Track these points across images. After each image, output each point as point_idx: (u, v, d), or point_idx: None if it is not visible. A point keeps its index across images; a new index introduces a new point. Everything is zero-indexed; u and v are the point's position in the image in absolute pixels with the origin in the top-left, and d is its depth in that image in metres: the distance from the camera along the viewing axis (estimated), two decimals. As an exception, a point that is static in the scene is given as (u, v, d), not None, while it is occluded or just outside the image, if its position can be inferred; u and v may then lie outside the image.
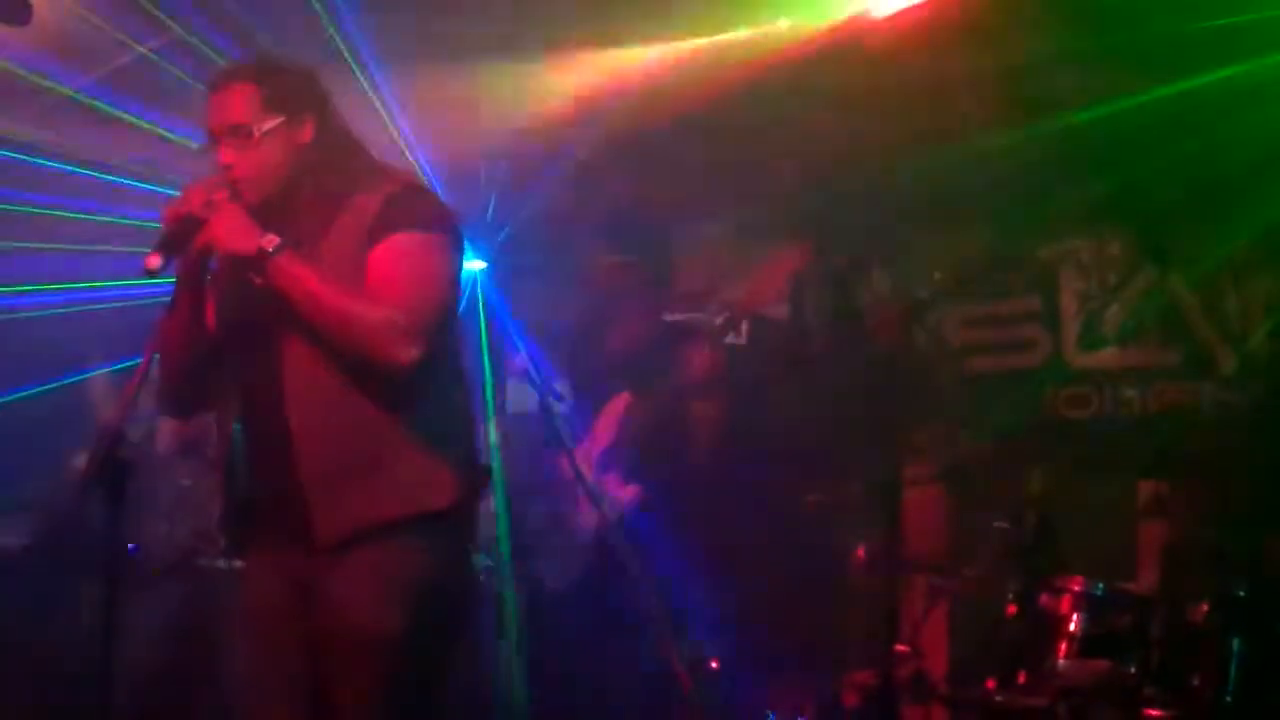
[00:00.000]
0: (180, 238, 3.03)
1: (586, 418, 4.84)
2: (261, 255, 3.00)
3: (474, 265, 7.20)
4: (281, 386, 3.09)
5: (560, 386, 4.82)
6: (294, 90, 3.17)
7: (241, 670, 3.28)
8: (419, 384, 3.07)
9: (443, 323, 3.08)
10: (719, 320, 4.86)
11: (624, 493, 4.66)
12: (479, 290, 6.88)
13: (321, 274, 3.02)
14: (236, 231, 3.02)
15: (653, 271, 4.97)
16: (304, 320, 3.02)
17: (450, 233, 3.13)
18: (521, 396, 6.41)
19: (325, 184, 3.15)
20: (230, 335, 3.21)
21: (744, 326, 5.85)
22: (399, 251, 3.05)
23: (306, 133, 3.16)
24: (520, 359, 4.75)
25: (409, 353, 2.98)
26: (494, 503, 5.58)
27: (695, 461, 4.79)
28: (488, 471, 3.31)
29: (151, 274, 2.98)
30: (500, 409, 6.69)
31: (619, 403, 4.77)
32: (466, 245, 3.31)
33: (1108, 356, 5.51)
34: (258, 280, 3.04)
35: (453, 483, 3.11)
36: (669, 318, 5.18)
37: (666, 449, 4.69)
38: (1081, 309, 5.57)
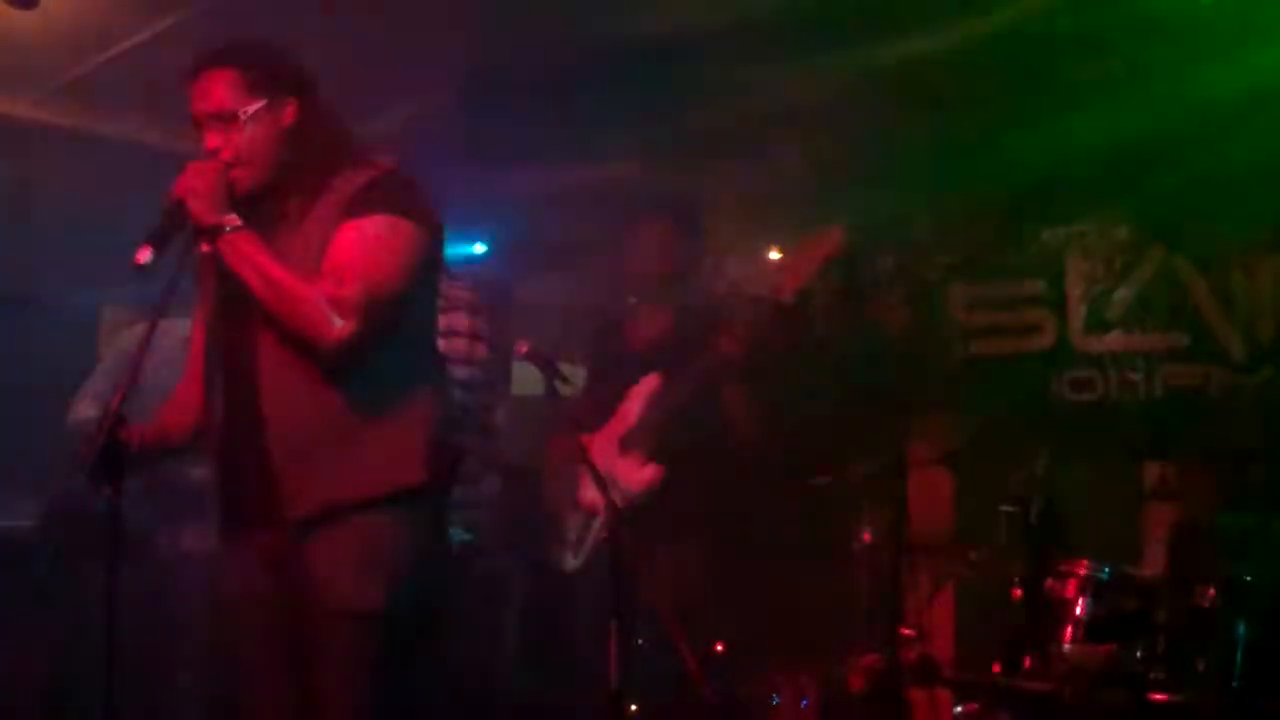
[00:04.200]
0: (172, 228, 3.04)
1: (604, 406, 4.78)
2: (217, 229, 3.05)
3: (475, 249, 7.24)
4: (256, 369, 3.15)
5: (569, 370, 4.78)
6: (274, 72, 3.20)
7: (235, 649, 3.31)
8: (385, 366, 3.12)
9: (392, 303, 3.09)
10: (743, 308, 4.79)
11: (642, 473, 4.64)
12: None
13: (270, 253, 3.06)
14: (206, 197, 3.06)
15: (693, 242, 4.90)
16: (256, 298, 3.07)
17: (420, 220, 3.16)
18: (526, 378, 6.40)
19: (311, 164, 3.20)
20: (215, 319, 3.26)
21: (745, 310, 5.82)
22: (360, 232, 3.09)
23: (289, 114, 3.19)
24: (526, 340, 4.72)
25: (340, 328, 3.01)
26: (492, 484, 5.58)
27: (728, 446, 4.76)
28: (460, 451, 3.31)
29: (141, 269, 2.98)
30: (505, 391, 6.69)
31: (647, 384, 4.75)
32: (447, 234, 3.32)
33: (1114, 340, 5.50)
34: (206, 248, 3.10)
35: (421, 462, 3.15)
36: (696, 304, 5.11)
37: (698, 433, 4.66)
38: (1088, 292, 5.56)
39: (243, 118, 3.13)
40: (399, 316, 3.12)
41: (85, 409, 5.35)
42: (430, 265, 3.22)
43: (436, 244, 3.23)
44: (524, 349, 4.55)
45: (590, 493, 4.73)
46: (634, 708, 4.43)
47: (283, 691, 3.18)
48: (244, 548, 3.23)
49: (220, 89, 3.15)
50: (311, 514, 3.09)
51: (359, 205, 3.11)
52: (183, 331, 3.48)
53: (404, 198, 3.16)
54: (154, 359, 3.09)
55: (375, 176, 3.18)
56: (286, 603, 3.14)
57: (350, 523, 3.08)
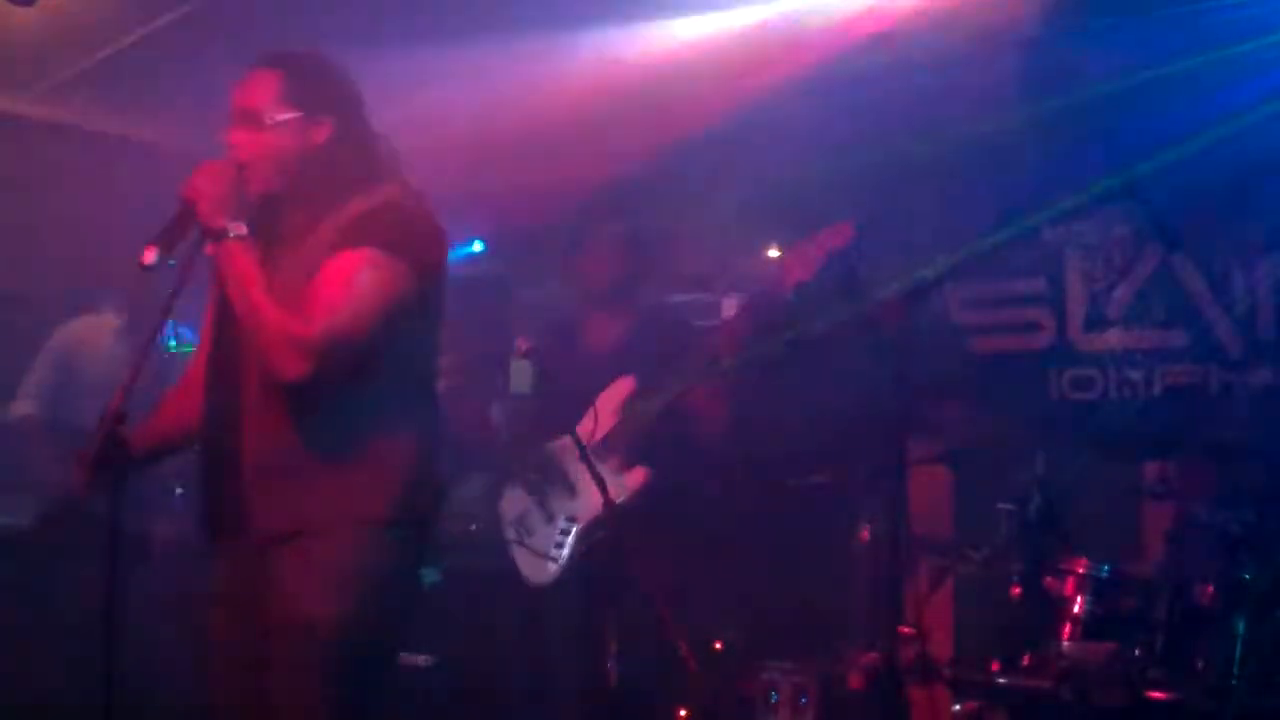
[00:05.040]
0: (179, 229, 3.03)
1: (560, 409, 4.74)
2: (221, 233, 3.03)
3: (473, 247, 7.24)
4: (246, 380, 3.13)
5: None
6: (318, 89, 3.17)
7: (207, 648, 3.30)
8: (370, 397, 3.09)
9: (359, 344, 3.02)
10: (732, 305, 4.78)
11: (633, 476, 4.62)
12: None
13: (259, 272, 3.03)
14: (214, 200, 3.03)
15: (658, 252, 4.90)
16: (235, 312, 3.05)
17: (411, 256, 3.08)
18: (523, 378, 6.39)
19: (324, 187, 3.15)
20: (218, 322, 3.25)
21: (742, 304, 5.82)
22: (341, 267, 3.03)
23: (321, 134, 3.15)
24: (526, 338, 4.71)
25: (296, 368, 2.98)
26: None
27: (705, 446, 4.75)
28: (442, 491, 3.29)
29: (147, 269, 2.96)
30: (502, 390, 6.69)
31: (620, 388, 4.72)
32: (448, 253, 3.26)
33: (1113, 338, 5.50)
34: (209, 249, 3.07)
35: (391, 496, 3.12)
36: (671, 300, 5.11)
37: (677, 435, 4.64)
38: (1087, 290, 5.56)
39: (269, 122, 3.11)
40: (375, 353, 3.06)
41: (21, 408, 5.36)
42: (423, 299, 3.14)
43: (431, 278, 3.15)
44: (524, 347, 4.55)
45: (567, 501, 4.68)
46: (633, 707, 4.44)
47: (245, 697, 3.16)
48: (217, 551, 3.23)
49: (259, 89, 3.14)
50: (276, 535, 3.09)
51: (349, 237, 3.05)
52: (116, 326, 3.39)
53: (397, 232, 3.08)
54: (89, 355, 3.04)
55: (372, 207, 3.11)
56: (253, 609, 3.13)
57: (318, 539, 3.06)
